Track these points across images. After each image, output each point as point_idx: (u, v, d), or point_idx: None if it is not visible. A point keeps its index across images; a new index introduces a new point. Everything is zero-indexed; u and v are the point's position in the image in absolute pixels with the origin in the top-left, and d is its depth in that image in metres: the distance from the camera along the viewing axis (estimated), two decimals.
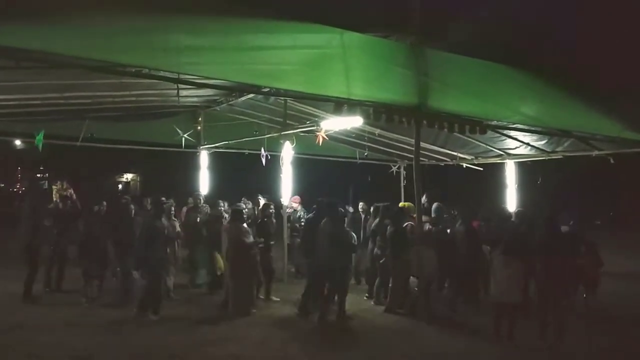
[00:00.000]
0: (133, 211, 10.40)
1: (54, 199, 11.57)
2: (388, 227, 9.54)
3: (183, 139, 13.42)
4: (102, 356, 6.99)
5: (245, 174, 19.51)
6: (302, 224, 11.26)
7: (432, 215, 10.12)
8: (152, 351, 7.14)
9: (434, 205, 10.40)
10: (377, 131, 13.26)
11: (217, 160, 15.75)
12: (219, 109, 13.08)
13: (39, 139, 10.99)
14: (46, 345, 7.28)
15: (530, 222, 9.92)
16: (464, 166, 15.54)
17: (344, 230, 9.15)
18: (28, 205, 10.63)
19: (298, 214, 12.50)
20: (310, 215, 10.07)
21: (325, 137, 11.25)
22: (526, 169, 14.21)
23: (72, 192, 11.56)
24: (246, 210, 11.01)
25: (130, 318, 8.54)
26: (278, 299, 10.05)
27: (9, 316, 8.68)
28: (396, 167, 16.62)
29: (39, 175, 54.17)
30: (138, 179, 52.53)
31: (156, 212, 9.20)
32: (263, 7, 6.03)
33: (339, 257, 8.84)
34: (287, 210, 12.26)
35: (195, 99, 12.36)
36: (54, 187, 12.36)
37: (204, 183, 14.85)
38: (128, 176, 54.62)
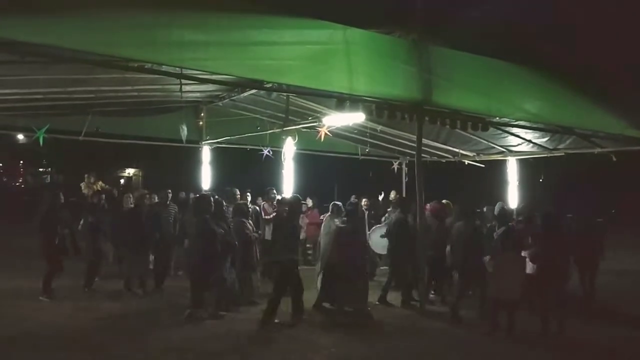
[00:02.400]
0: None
1: (86, 194, 11.23)
2: (497, 228, 9.26)
3: (185, 134, 13.42)
4: None
5: (247, 169, 19.51)
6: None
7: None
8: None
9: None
10: (379, 127, 13.27)
11: (220, 156, 15.75)
12: (221, 105, 13.09)
13: (41, 133, 11.00)
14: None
15: (530, 219, 9.93)
16: (466, 163, 15.54)
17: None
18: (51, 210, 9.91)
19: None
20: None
21: (327, 132, 11.26)
22: (528, 166, 14.22)
23: (103, 184, 11.47)
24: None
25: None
26: None
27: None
28: (397, 163, 16.63)
29: (40, 169, 54.21)
30: (140, 174, 52.60)
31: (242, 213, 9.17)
32: (266, 2, 6.04)
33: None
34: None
35: (197, 94, 12.37)
36: (82, 182, 12.12)
37: (206, 178, 14.87)
38: (130, 171, 54.70)
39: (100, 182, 11.64)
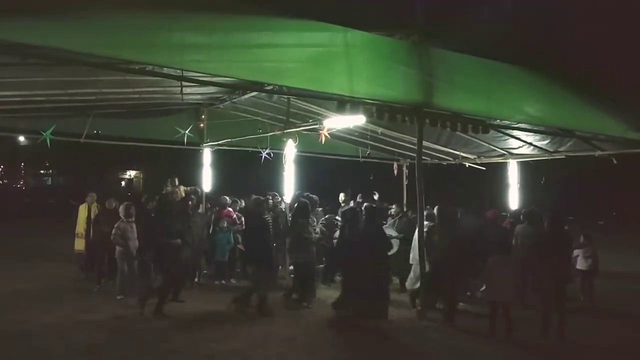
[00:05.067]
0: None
1: (175, 199, 10.44)
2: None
3: (185, 136, 13.43)
4: None
5: (248, 171, 19.52)
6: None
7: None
8: None
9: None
10: (380, 130, 13.28)
11: (220, 158, 15.75)
12: (222, 107, 13.10)
13: (48, 135, 11.01)
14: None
15: (530, 221, 10.00)
16: (467, 165, 15.55)
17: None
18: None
19: None
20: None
21: (328, 135, 11.26)
22: (529, 168, 14.22)
23: (186, 188, 11.33)
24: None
25: None
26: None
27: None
28: (395, 165, 16.63)
29: (42, 171, 54.35)
30: (141, 176, 52.68)
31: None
32: (267, 5, 6.05)
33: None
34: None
35: (198, 97, 12.39)
36: (166, 188, 11.66)
37: (207, 180, 14.87)
38: (131, 173, 54.79)
39: (182, 187, 11.37)
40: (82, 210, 11.55)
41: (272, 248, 9.74)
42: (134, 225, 9.58)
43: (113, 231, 9.47)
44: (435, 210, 9.55)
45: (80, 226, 11.45)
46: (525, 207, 11.78)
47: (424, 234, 8.64)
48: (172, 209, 9.28)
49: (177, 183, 11.78)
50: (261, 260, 9.00)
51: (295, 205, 10.10)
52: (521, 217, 10.55)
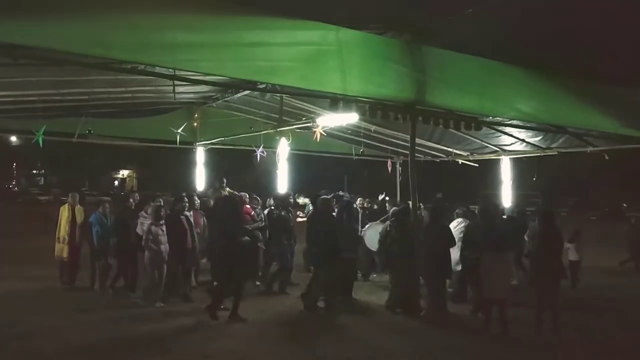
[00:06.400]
0: None
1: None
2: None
3: (178, 135, 13.41)
4: None
5: (241, 170, 19.53)
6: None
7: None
8: None
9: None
10: (373, 127, 13.30)
11: (214, 157, 15.75)
12: (215, 106, 13.09)
13: (39, 135, 10.91)
14: None
15: (522, 218, 10.12)
16: (460, 162, 15.60)
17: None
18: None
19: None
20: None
21: (323, 132, 11.27)
22: (521, 164, 14.29)
23: (230, 189, 11.14)
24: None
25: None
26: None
27: None
28: (389, 162, 16.67)
29: (34, 171, 54.13)
30: (134, 176, 52.55)
31: None
32: (259, 3, 6.05)
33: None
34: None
35: (191, 96, 12.37)
36: (213, 189, 11.46)
37: (200, 179, 14.87)
38: (124, 172, 54.62)
39: (228, 189, 11.09)
40: (65, 212, 10.45)
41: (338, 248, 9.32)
42: (165, 229, 9.18)
43: (144, 236, 9.11)
44: (477, 209, 9.96)
45: (63, 229, 10.32)
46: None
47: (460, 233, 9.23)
48: (237, 209, 8.99)
49: (224, 184, 11.54)
50: (332, 260, 8.91)
51: (338, 203, 10.02)
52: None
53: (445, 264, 8.53)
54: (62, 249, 10.34)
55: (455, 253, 9.00)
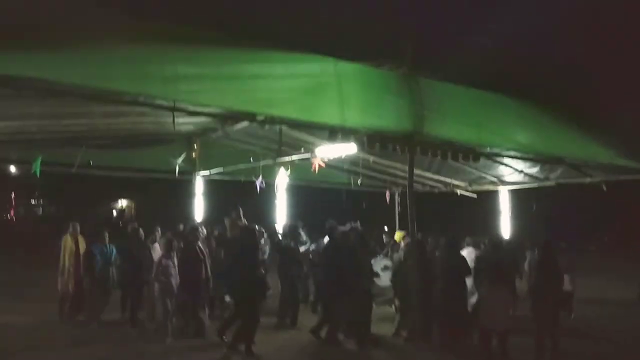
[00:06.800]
0: None
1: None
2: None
3: (177, 166, 13.41)
4: None
5: (240, 201, 19.48)
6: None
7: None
8: None
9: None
10: (372, 158, 13.31)
11: (213, 188, 15.74)
12: (214, 137, 13.12)
13: (37, 165, 10.90)
14: None
15: (521, 249, 10.12)
16: (458, 193, 15.59)
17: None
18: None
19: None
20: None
21: (322, 164, 11.28)
22: (520, 196, 14.29)
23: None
24: None
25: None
26: None
27: None
28: (388, 193, 16.65)
29: (33, 200, 53.92)
30: (133, 206, 52.38)
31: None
32: (258, 36, 6.13)
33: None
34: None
35: (191, 127, 12.41)
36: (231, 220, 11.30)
37: (199, 210, 14.82)
38: (123, 203, 54.48)
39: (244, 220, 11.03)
40: (67, 243, 10.36)
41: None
42: (175, 261, 9.19)
43: (154, 268, 9.13)
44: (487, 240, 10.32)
45: (67, 261, 10.23)
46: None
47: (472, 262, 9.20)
48: (257, 242, 9.00)
49: (241, 215, 11.48)
50: (349, 292, 8.82)
51: (355, 236, 9.80)
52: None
53: (463, 293, 8.62)
54: (67, 282, 10.17)
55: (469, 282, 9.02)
